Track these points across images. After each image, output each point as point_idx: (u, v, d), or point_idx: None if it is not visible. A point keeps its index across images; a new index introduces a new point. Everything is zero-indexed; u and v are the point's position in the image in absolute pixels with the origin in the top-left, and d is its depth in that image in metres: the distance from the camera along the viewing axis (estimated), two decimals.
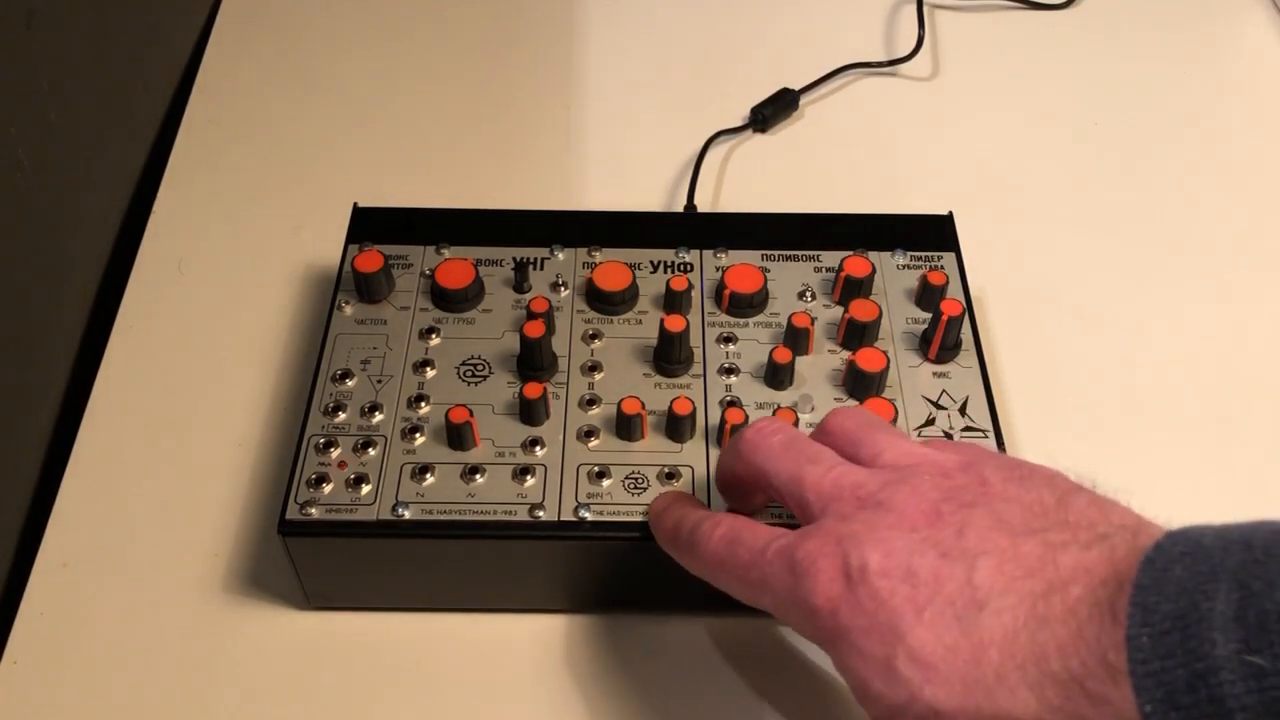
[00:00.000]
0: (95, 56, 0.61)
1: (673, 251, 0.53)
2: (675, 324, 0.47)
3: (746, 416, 0.46)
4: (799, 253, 0.53)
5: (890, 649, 0.32)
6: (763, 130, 0.69)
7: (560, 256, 0.53)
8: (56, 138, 0.56)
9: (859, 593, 0.33)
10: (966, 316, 0.50)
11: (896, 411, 0.46)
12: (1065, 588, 0.31)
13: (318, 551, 0.45)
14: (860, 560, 0.33)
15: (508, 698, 0.46)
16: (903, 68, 0.73)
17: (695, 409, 0.46)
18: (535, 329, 0.47)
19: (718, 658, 0.47)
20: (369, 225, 0.54)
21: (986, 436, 0.47)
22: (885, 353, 0.48)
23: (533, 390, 0.46)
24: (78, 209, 0.59)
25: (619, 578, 0.47)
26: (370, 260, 0.51)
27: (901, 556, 0.33)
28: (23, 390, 0.53)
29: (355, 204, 0.55)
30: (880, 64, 0.73)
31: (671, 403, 0.46)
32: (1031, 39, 0.76)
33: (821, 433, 0.40)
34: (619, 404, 0.46)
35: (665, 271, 0.52)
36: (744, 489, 0.42)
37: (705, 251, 0.53)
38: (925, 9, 0.75)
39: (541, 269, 0.52)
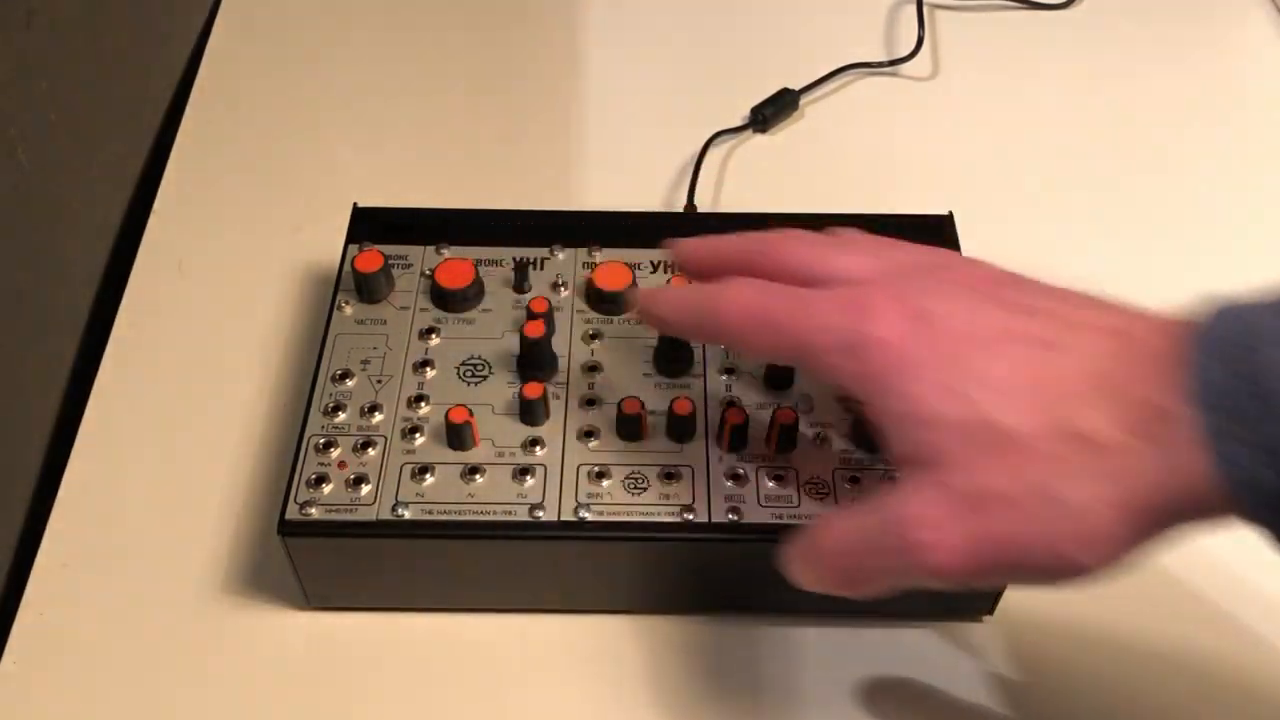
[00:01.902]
0: (95, 56, 0.61)
1: None
2: None
3: (747, 417, 0.46)
4: None
5: (959, 375, 0.32)
6: (763, 130, 0.69)
7: (560, 256, 0.53)
8: (56, 138, 0.56)
9: (922, 332, 0.33)
10: None
11: None
12: (1129, 332, 0.32)
13: (318, 551, 0.45)
14: (922, 307, 0.34)
15: (507, 698, 0.46)
16: (903, 68, 0.73)
17: (695, 409, 0.46)
18: (535, 329, 0.47)
19: (718, 658, 0.47)
20: (369, 225, 0.54)
21: None
22: None
23: (533, 390, 0.46)
24: (78, 209, 0.59)
25: (619, 578, 0.47)
26: (370, 260, 0.50)
27: (964, 305, 0.34)
28: (23, 390, 0.53)
29: (355, 204, 0.55)
30: (880, 64, 0.73)
31: (672, 403, 0.46)
32: (1031, 39, 0.76)
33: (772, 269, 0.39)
34: (620, 404, 0.46)
35: (665, 271, 0.52)
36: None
37: None
38: (925, 9, 0.75)
39: (541, 269, 0.52)
